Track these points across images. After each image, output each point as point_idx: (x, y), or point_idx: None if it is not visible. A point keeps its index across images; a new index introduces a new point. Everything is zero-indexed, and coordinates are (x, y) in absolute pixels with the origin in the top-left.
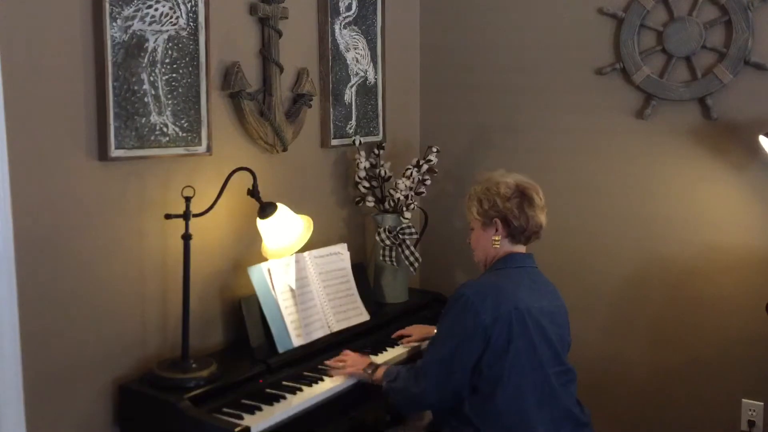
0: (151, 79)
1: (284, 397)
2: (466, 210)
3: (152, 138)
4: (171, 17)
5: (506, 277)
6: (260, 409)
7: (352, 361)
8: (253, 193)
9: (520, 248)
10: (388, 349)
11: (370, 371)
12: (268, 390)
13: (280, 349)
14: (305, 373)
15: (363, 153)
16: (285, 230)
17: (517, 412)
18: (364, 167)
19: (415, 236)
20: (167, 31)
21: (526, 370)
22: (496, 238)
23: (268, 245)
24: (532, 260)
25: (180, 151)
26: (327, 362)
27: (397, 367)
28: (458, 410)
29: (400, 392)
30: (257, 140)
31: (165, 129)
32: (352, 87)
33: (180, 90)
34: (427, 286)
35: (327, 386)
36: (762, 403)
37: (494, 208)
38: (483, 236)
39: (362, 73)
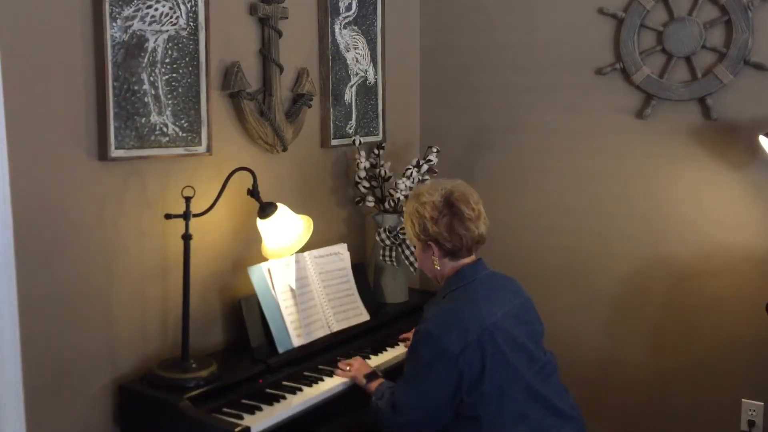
0: (151, 79)
1: (284, 397)
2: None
3: (152, 138)
4: (171, 17)
5: (465, 297)
6: (260, 409)
7: (358, 365)
8: (253, 193)
9: (467, 260)
10: (388, 349)
11: (365, 381)
12: (268, 390)
13: (280, 349)
14: (305, 373)
15: (363, 153)
16: (285, 230)
17: (501, 428)
18: (364, 167)
19: None
20: (167, 31)
21: (504, 385)
22: (435, 259)
23: (268, 245)
24: (483, 266)
25: (180, 151)
26: (339, 362)
27: (386, 384)
28: None
29: (380, 414)
30: (257, 140)
31: (165, 129)
32: (352, 87)
33: (180, 90)
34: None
35: (327, 386)
36: (762, 403)
37: (425, 232)
38: (424, 257)
39: (362, 73)
